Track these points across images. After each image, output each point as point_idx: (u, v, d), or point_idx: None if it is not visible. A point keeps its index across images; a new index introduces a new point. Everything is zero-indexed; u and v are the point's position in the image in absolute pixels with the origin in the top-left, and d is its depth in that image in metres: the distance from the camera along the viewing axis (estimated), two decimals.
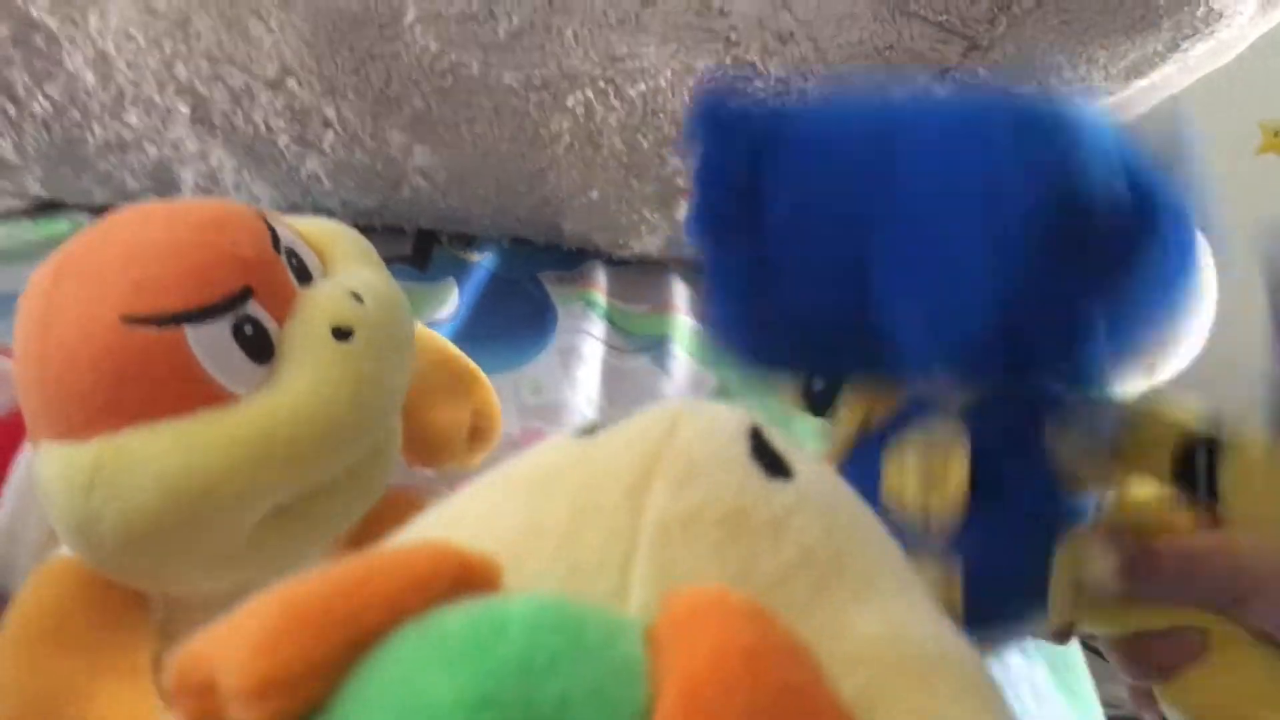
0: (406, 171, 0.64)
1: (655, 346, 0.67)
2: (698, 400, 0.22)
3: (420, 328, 0.46)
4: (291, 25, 0.58)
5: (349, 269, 0.36)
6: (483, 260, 0.70)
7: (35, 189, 0.64)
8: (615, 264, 0.73)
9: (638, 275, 0.72)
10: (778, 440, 0.21)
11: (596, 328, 0.67)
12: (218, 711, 0.15)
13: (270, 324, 0.32)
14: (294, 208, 0.65)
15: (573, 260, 0.72)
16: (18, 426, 0.33)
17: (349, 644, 0.15)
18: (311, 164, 0.63)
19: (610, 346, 0.66)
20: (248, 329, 0.31)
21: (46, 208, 0.65)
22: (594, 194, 0.66)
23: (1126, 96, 0.62)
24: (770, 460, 0.20)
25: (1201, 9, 0.55)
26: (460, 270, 0.69)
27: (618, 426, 0.21)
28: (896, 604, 0.19)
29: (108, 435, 0.29)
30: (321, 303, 0.33)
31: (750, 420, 0.21)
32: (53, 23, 0.55)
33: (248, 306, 0.31)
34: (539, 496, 0.20)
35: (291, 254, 0.34)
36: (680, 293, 0.72)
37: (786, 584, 0.18)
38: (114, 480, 0.28)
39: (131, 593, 0.33)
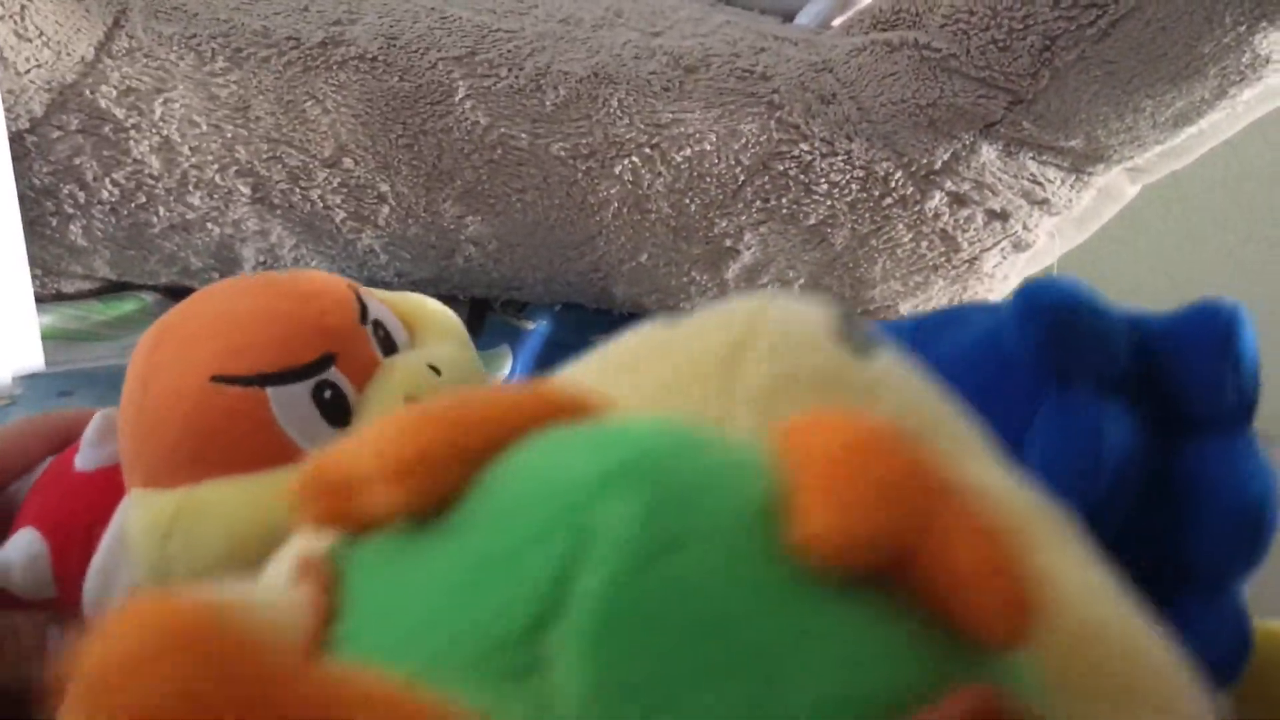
0: (459, 242, 0.66)
1: None
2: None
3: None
4: (347, 106, 0.60)
5: (434, 343, 0.37)
6: (537, 326, 0.71)
7: (104, 270, 0.66)
8: None
9: None
10: (863, 325, 0.22)
11: None
12: (350, 510, 0.16)
13: (349, 390, 0.33)
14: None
15: (624, 323, 0.73)
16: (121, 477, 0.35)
17: (485, 438, 0.16)
18: (367, 238, 0.65)
19: None
20: (327, 393, 0.32)
21: (114, 288, 0.68)
22: (643, 258, 0.67)
23: (1175, 145, 0.62)
24: (857, 342, 0.21)
25: (1248, 55, 0.55)
26: (514, 337, 0.70)
27: (704, 312, 0.21)
28: (990, 467, 0.20)
29: (189, 486, 0.31)
30: (399, 373, 0.34)
31: (835, 309, 0.22)
32: (120, 112, 0.58)
33: (329, 372, 0.32)
34: (631, 374, 0.21)
35: (378, 325, 0.35)
36: None
37: None
38: (189, 528, 0.30)
39: None
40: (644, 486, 0.14)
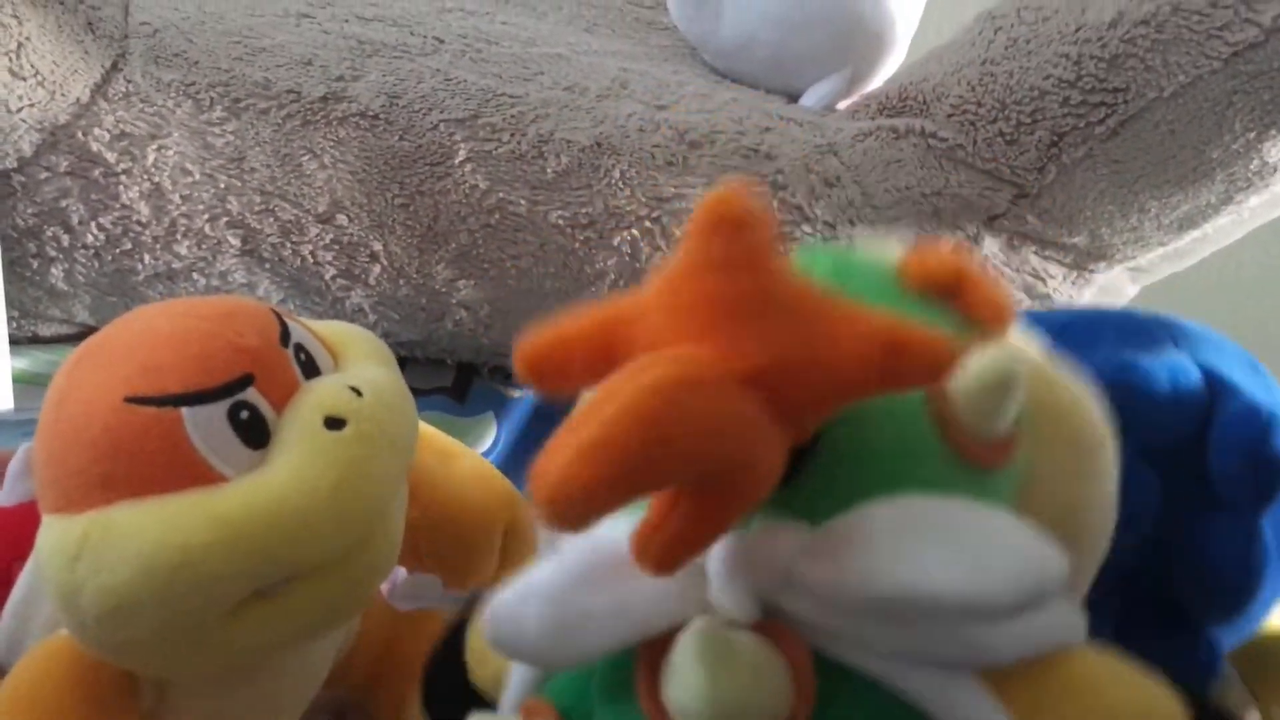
0: (450, 305, 0.64)
1: None
2: None
3: (459, 446, 0.46)
4: (344, 162, 0.59)
5: (357, 366, 0.37)
6: (523, 395, 0.69)
7: (83, 316, 0.64)
8: None
9: None
10: None
11: None
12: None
13: (268, 411, 0.32)
14: None
15: None
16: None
17: None
18: (357, 296, 0.63)
19: None
20: (244, 414, 0.32)
21: (92, 333, 0.66)
22: None
23: (1179, 247, 0.62)
24: None
25: (1256, 162, 0.55)
26: (499, 404, 0.68)
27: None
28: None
29: (100, 509, 0.30)
30: (319, 393, 0.33)
31: None
32: (111, 156, 0.57)
33: (246, 393, 0.32)
34: None
35: (300, 349, 0.35)
36: None
37: None
38: (97, 552, 0.29)
39: (121, 675, 0.33)
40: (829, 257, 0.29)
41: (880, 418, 0.25)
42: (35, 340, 0.66)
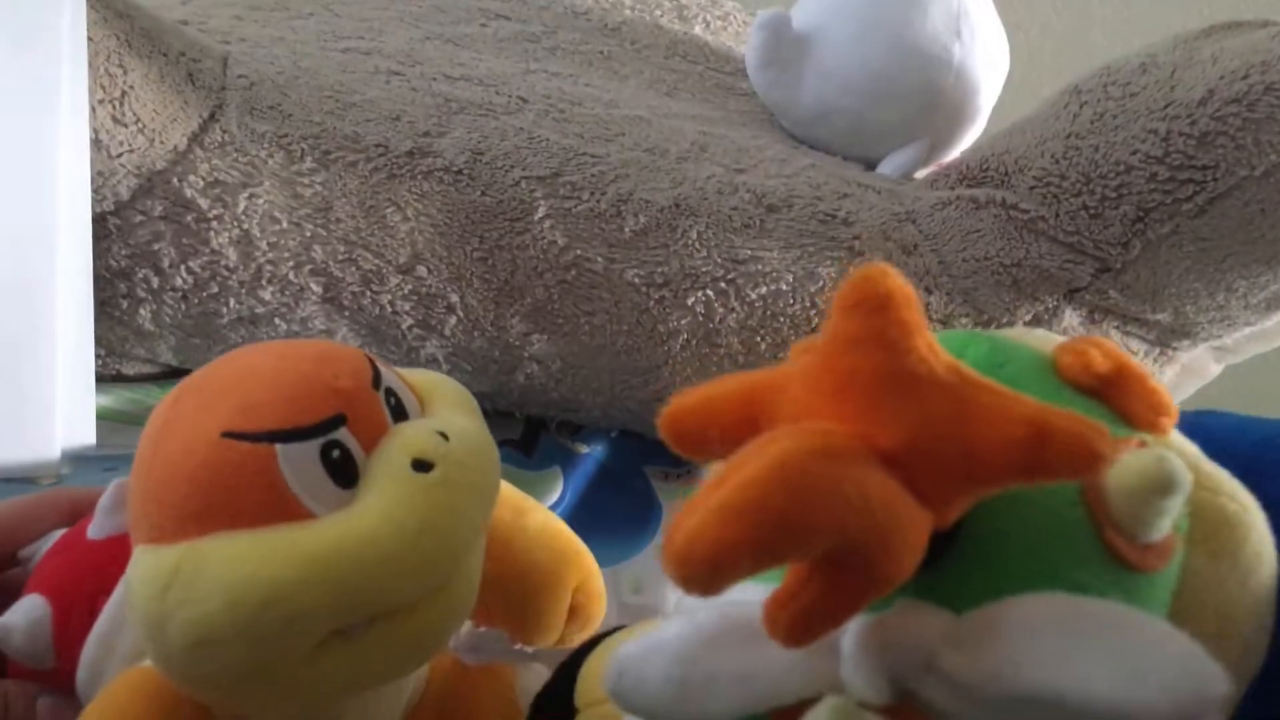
0: (522, 359, 0.65)
1: None
2: None
3: (531, 501, 0.47)
4: (426, 215, 0.60)
5: (444, 413, 0.37)
6: (590, 451, 0.69)
7: (167, 356, 0.66)
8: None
9: None
10: None
11: None
12: None
13: (358, 451, 0.33)
14: None
15: (680, 458, 0.71)
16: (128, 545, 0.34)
17: None
18: (431, 347, 0.64)
19: None
20: (335, 453, 0.32)
21: (174, 374, 0.67)
22: None
23: (1266, 327, 0.60)
24: None
25: None
26: (566, 459, 0.69)
27: None
28: None
29: (192, 541, 0.30)
30: (407, 436, 0.34)
31: None
32: (204, 203, 0.58)
33: (338, 433, 0.33)
34: None
35: (390, 393, 0.36)
36: None
37: None
38: (188, 583, 0.30)
39: (200, 710, 0.34)
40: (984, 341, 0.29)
41: (1032, 508, 0.25)
42: (119, 378, 0.67)
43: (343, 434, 0.33)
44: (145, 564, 0.31)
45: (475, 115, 0.64)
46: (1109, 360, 0.27)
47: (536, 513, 0.46)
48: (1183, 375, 0.66)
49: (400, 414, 0.36)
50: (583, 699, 0.37)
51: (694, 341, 0.63)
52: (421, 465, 0.33)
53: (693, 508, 0.21)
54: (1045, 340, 0.29)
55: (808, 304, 0.61)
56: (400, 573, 0.31)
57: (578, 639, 0.46)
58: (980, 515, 0.24)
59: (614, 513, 0.65)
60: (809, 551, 0.22)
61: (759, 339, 0.62)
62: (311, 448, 0.32)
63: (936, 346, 0.23)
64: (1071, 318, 0.60)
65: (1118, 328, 0.61)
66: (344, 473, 0.32)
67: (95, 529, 0.38)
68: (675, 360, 0.64)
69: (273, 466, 0.31)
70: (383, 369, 0.36)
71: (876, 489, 0.21)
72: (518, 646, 0.45)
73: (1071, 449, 0.21)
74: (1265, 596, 0.28)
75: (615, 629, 0.45)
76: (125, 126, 0.56)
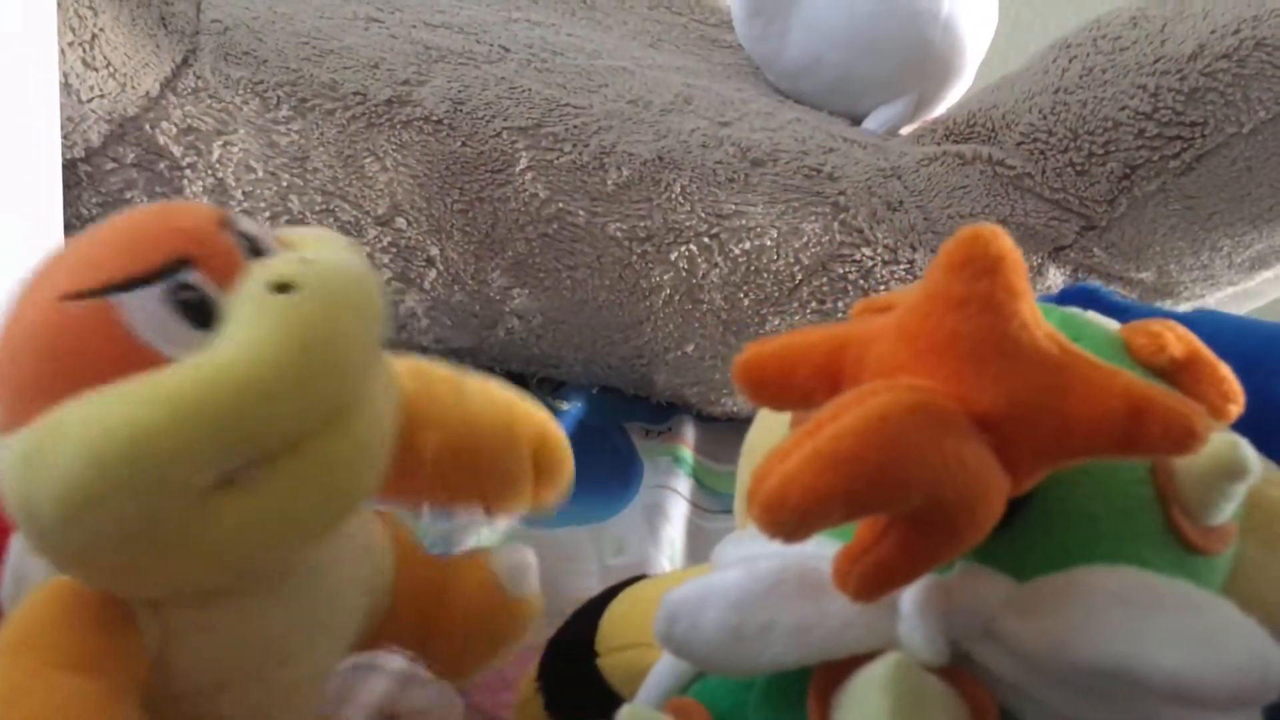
0: (503, 314, 0.64)
1: None
2: None
3: (465, 374, 0.44)
4: (405, 166, 0.59)
5: (312, 247, 0.35)
6: (570, 408, 0.69)
7: None
8: (705, 420, 0.71)
9: (727, 433, 0.70)
10: None
11: (683, 485, 0.65)
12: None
13: (212, 289, 0.31)
14: (388, 344, 0.65)
15: (662, 414, 0.71)
16: None
17: None
18: (411, 301, 0.63)
19: (695, 505, 0.64)
20: (186, 295, 0.31)
21: None
22: (690, 348, 0.65)
23: (1249, 287, 0.60)
24: None
25: None
26: None
27: None
28: None
29: (45, 415, 0.29)
30: (266, 266, 0.32)
31: None
32: (177, 150, 0.57)
33: (183, 274, 0.31)
34: None
35: (245, 236, 0.33)
36: None
37: None
38: (45, 456, 0.28)
39: (115, 602, 0.32)
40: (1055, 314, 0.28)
41: (1101, 483, 0.25)
42: None
43: (191, 275, 0.31)
44: (6, 454, 0.29)
45: (456, 64, 0.63)
46: (1182, 344, 0.27)
47: (472, 380, 0.44)
48: None
49: (257, 253, 0.33)
50: (604, 644, 0.36)
51: (676, 297, 0.62)
52: (280, 287, 0.31)
53: (784, 453, 0.21)
54: (1100, 319, 0.29)
55: (792, 259, 0.61)
56: (272, 396, 0.29)
57: (554, 499, 0.45)
58: (1048, 486, 0.24)
59: (595, 471, 0.65)
60: (898, 507, 0.21)
61: (742, 294, 0.62)
62: (154, 293, 0.30)
63: (1040, 314, 0.23)
64: (1055, 276, 0.60)
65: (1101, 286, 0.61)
66: (200, 313, 0.30)
67: None
68: (657, 316, 0.63)
69: (116, 319, 0.29)
70: (237, 219, 0.34)
71: (972, 452, 0.21)
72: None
73: (1171, 426, 0.21)
74: None
75: (637, 578, 0.44)
76: (95, 71, 0.55)
